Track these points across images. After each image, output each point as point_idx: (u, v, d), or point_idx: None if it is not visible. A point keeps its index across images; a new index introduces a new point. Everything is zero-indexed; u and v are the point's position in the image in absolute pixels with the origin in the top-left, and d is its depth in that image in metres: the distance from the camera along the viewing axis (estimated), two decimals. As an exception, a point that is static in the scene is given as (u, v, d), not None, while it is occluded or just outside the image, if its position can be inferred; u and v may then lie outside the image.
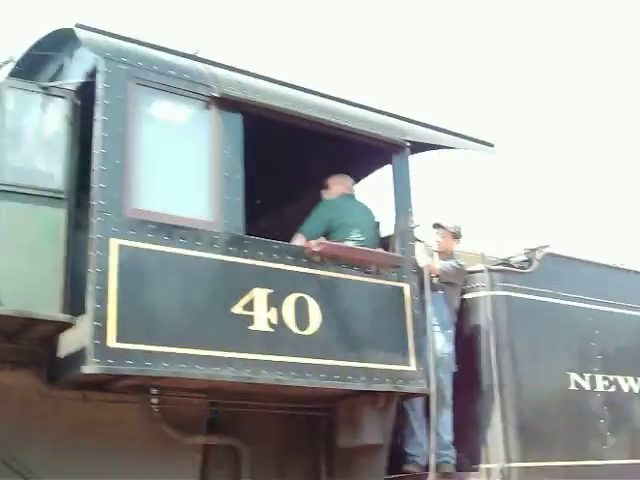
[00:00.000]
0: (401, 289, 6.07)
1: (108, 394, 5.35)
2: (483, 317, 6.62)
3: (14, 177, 5.22)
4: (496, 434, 6.40)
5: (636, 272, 7.90)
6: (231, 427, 5.95)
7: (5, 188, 5.16)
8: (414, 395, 6.03)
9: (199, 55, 5.78)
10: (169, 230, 5.21)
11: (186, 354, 5.08)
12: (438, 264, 6.35)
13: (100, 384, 5.19)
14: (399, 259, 6.07)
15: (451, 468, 6.31)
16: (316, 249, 5.69)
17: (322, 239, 5.84)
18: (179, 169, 5.53)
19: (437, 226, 6.61)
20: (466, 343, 6.61)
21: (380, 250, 6.11)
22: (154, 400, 5.47)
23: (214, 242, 5.35)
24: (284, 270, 5.60)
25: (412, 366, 5.97)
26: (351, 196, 6.38)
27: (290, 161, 6.82)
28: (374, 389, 5.77)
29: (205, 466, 5.82)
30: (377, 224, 6.44)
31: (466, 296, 6.72)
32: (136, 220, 5.11)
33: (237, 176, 5.55)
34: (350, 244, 6.02)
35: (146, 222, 5.13)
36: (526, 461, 6.44)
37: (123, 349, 4.89)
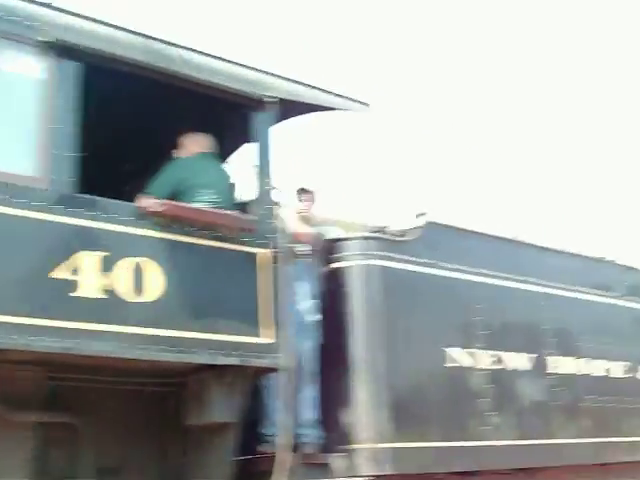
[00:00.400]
0: (255, 255, 5.62)
1: None
2: (355, 288, 6.19)
3: None
4: (366, 413, 5.99)
5: (528, 244, 7.54)
6: (72, 404, 5.45)
7: None
8: (267, 370, 5.59)
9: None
10: (-20, 185, 4.71)
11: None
12: (300, 230, 5.92)
13: None
14: (252, 222, 5.60)
15: (312, 448, 5.90)
16: (158, 209, 5.21)
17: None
18: (2, 120, 5.03)
19: (301, 191, 6.18)
20: (336, 315, 6.19)
21: (231, 212, 5.65)
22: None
23: (37, 200, 4.83)
24: (121, 232, 5.10)
25: (265, 338, 5.52)
26: (207, 155, 5.90)
27: (152, 120, 6.32)
28: (219, 362, 5.30)
29: (42, 445, 5.35)
30: (233, 185, 5.97)
31: (338, 265, 6.29)
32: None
33: (68, 129, 5.04)
34: (201, 206, 5.55)
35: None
36: (399, 442, 6.05)
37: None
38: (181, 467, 5.70)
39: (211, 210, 5.51)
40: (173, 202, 5.37)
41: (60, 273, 4.81)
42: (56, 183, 4.93)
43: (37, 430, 5.29)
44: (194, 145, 5.88)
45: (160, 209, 5.22)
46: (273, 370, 5.55)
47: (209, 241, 5.42)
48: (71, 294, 4.84)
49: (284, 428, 5.49)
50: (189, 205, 5.47)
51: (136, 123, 6.26)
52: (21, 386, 5.21)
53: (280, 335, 5.55)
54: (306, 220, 6.16)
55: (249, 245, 5.59)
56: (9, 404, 5.09)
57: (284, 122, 6.81)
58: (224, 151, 6.15)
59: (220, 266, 5.46)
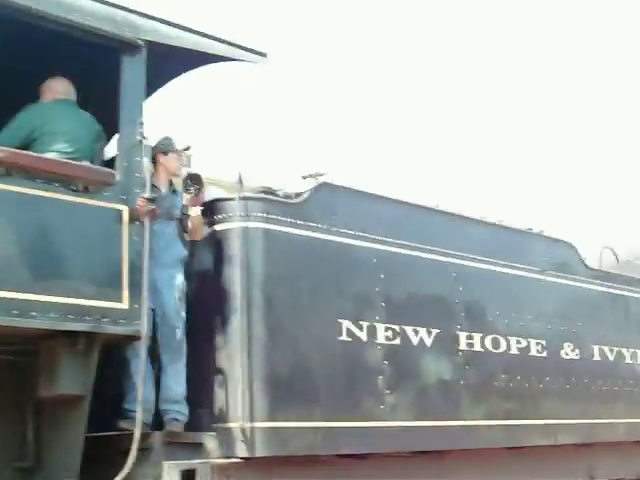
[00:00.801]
0: (119, 212, 5.06)
1: None
2: (233, 251, 5.65)
3: None
4: (239, 389, 5.47)
5: (442, 212, 7.01)
6: None
7: None
8: (123, 338, 5.07)
9: None
10: None
11: None
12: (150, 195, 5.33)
13: None
14: (111, 175, 5.07)
15: (179, 426, 5.40)
16: (-4, 155, 4.68)
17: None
18: None
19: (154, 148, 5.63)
20: (211, 282, 5.68)
21: (86, 164, 5.10)
22: None
23: None
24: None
25: (123, 303, 4.99)
26: (66, 102, 5.34)
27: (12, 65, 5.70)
28: (62, 328, 4.77)
29: None
30: (98, 135, 5.42)
31: (215, 227, 5.75)
32: None
33: None
34: (53, 155, 5.01)
35: None
36: (277, 420, 5.54)
37: None
38: (36, 444, 5.19)
39: (58, 160, 4.97)
40: (12, 149, 4.84)
41: None
42: None
43: None
44: (51, 91, 5.33)
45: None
46: (130, 338, 5.03)
47: (58, 194, 4.87)
48: None
49: (140, 402, 4.98)
50: (33, 154, 4.93)
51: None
52: None
53: (138, 301, 5.04)
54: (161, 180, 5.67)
55: (113, 201, 5.06)
56: None
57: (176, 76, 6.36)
58: (91, 98, 5.58)
59: (72, 222, 4.92)
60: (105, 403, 5.21)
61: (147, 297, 5.06)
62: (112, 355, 5.20)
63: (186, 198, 5.66)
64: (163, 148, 5.77)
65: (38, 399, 5.08)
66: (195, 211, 5.68)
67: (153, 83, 6.09)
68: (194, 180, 5.68)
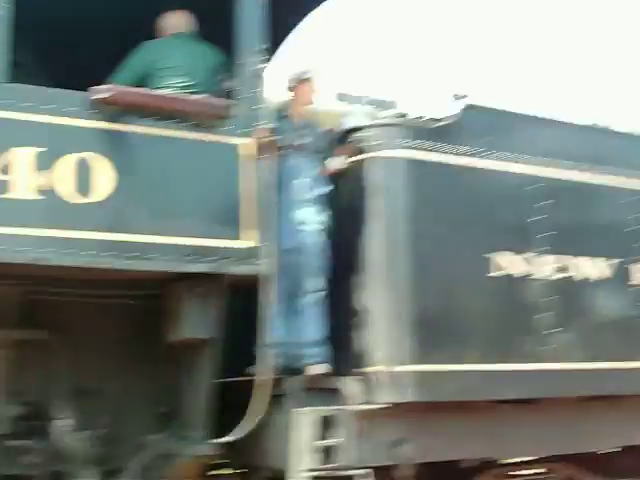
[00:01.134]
0: (238, 146, 4.81)
1: None
2: (375, 183, 5.21)
3: None
4: (384, 330, 5.09)
5: (607, 131, 6.19)
6: (47, 320, 4.95)
7: None
8: (252, 279, 4.79)
9: None
10: None
11: None
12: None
13: None
14: (228, 108, 4.79)
15: (318, 371, 5.09)
16: (105, 95, 4.51)
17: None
18: None
19: (291, 81, 5.28)
20: (351, 217, 5.27)
21: (198, 97, 4.84)
22: None
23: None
24: (61, 124, 4.45)
25: (245, 242, 4.74)
26: (181, 35, 5.11)
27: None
28: (184, 270, 4.58)
29: (16, 365, 4.87)
30: (218, 67, 5.13)
31: (356, 158, 5.31)
32: None
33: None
34: (167, 91, 4.79)
35: None
36: (426, 363, 5.12)
37: None
38: (170, 389, 5.09)
39: (171, 95, 4.77)
40: (124, 87, 4.67)
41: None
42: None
43: (11, 349, 4.86)
44: (168, 25, 5.13)
45: (107, 95, 4.52)
46: (253, 278, 4.77)
47: (173, 131, 4.68)
48: (1, 196, 4.29)
49: (268, 346, 4.73)
50: (144, 90, 4.74)
51: (111, 10, 5.55)
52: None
53: (264, 238, 4.77)
54: (297, 112, 5.31)
55: (230, 135, 4.81)
56: None
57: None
58: (211, 29, 5.29)
59: (189, 160, 4.72)
60: (240, 348, 5.01)
61: (275, 235, 4.80)
62: (247, 296, 4.99)
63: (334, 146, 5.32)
64: (298, 77, 5.43)
65: (168, 344, 4.97)
66: (339, 148, 5.34)
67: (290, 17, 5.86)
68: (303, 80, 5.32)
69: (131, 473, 4.80)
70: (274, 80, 5.70)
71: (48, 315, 4.94)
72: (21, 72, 5.26)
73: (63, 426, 4.77)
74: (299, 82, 5.34)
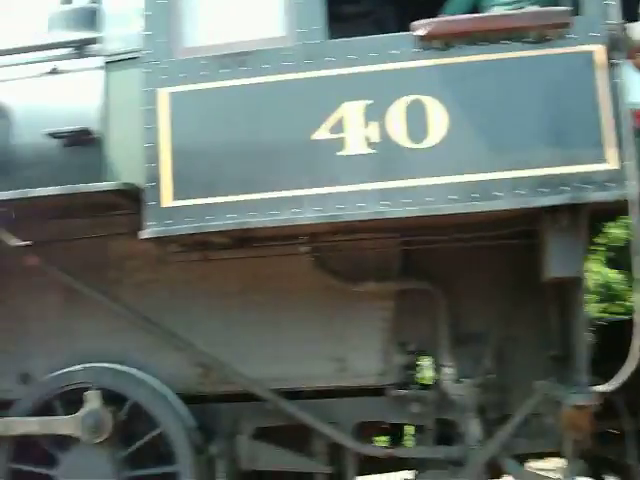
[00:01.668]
0: (588, 54, 4.14)
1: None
2: None
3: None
4: None
5: None
6: (425, 269, 4.92)
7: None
8: (612, 205, 4.11)
9: None
10: (225, 61, 4.43)
11: (252, 200, 4.34)
12: None
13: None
14: (566, 14, 4.12)
15: None
16: (425, 30, 4.21)
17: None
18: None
19: None
20: None
21: (537, 9, 4.23)
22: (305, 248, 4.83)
23: (285, 60, 4.38)
24: (386, 70, 4.30)
25: (609, 163, 4.08)
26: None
27: None
28: (535, 205, 4.10)
29: (399, 314, 4.93)
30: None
31: None
32: (185, 61, 4.48)
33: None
34: (495, 10, 4.31)
35: (197, 60, 4.46)
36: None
37: (180, 207, 4.42)
38: (552, 331, 4.70)
39: (502, 13, 4.25)
40: (444, 17, 4.31)
41: (322, 133, 4.29)
42: (304, 36, 4.39)
43: (395, 299, 4.93)
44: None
45: (427, 30, 4.22)
46: (618, 204, 4.08)
47: (511, 53, 4.20)
48: (339, 153, 4.29)
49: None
50: (466, 16, 4.31)
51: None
52: (374, 255, 4.92)
53: (625, 157, 4.06)
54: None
55: (577, 43, 4.17)
56: (364, 275, 4.89)
57: None
58: None
59: (532, 82, 4.19)
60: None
61: (635, 153, 4.07)
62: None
63: None
64: None
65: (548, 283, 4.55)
66: None
67: None
68: None
69: (517, 422, 4.55)
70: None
71: (425, 264, 4.91)
72: (368, 21, 5.27)
73: (448, 374, 4.71)
74: None
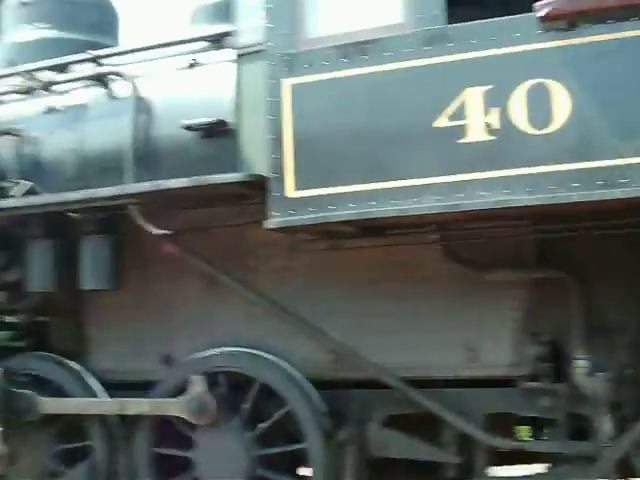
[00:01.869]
0: None
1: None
2: None
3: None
4: None
5: None
6: (558, 257, 4.72)
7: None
8: None
9: None
10: (346, 51, 4.43)
11: (373, 190, 4.32)
12: None
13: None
14: None
15: None
16: (546, 10, 4.00)
17: None
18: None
19: None
20: None
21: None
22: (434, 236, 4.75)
23: (405, 47, 4.31)
24: (507, 54, 4.14)
25: None
26: None
27: None
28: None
29: (533, 304, 4.77)
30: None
31: None
32: (306, 52, 4.51)
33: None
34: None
35: (318, 50, 4.48)
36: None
37: (302, 197, 4.47)
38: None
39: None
40: (567, -4, 4.07)
41: (443, 121, 4.21)
42: (423, 22, 4.30)
43: (526, 288, 4.78)
44: None
45: (548, 9, 4.00)
46: None
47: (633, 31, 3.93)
48: (460, 141, 4.19)
49: None
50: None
51: None
52: (507, 244, 4.79)
53: None
54: None
55: None
56: (496, 263, 4.80)
57: None
58: None
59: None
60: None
61: None
62: None
63: None
64: None
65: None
66: None
67: None
68: None
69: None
70: None
71: (559, 252, 4.72)
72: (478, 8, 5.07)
73: (581, 367, 4.52)
74: None
